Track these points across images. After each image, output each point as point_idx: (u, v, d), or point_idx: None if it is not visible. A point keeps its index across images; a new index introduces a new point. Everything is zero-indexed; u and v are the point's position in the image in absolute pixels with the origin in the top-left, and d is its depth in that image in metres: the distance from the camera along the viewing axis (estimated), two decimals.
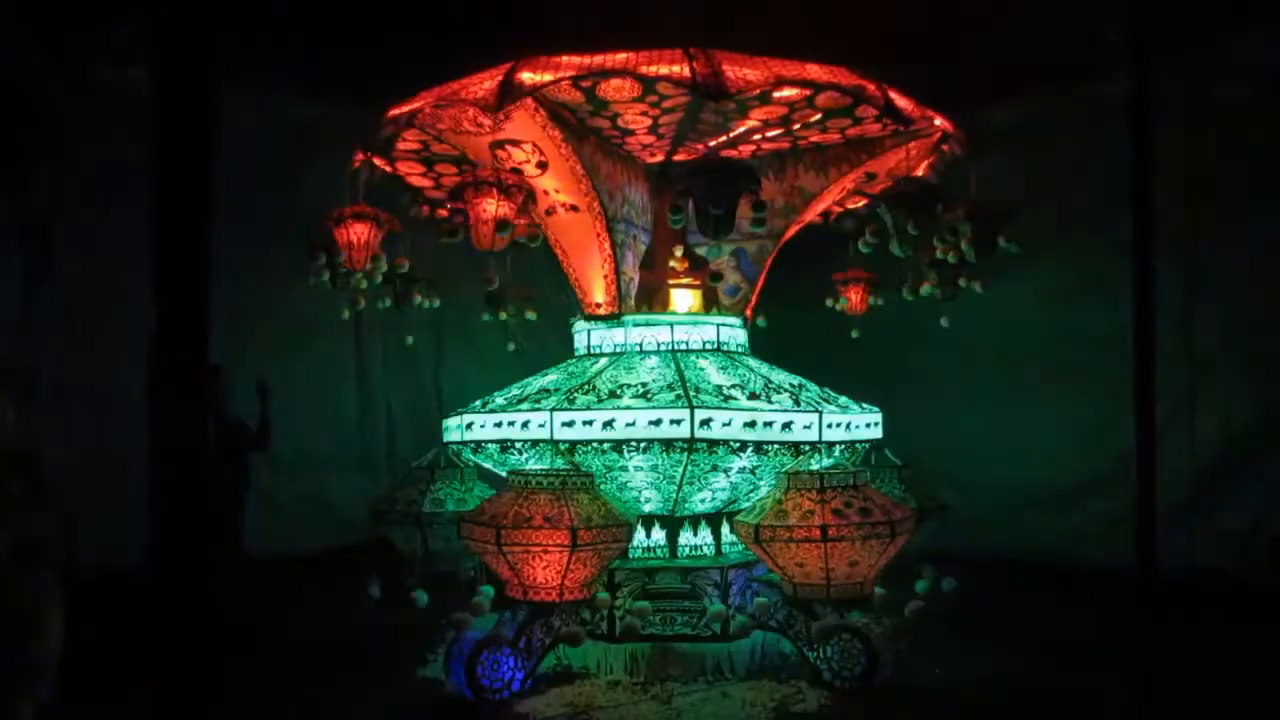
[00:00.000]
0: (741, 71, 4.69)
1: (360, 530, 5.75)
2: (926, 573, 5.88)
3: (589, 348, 5.92)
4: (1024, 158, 7.81)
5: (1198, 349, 7.26)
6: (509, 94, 4.83)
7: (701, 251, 6.15)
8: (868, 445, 5.83)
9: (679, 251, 5.92)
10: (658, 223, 6.03)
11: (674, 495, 5.41)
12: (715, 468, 5.29)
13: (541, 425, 5.22)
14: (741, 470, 5.36)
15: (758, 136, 5.66)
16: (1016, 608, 6.84)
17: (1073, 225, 7.78)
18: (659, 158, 5.97)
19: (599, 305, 5.91)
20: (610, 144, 5.71)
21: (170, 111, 1.75)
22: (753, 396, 5.37)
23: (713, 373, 5.57)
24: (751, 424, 5.16)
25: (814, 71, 4.96)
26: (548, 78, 4.82)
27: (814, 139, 5.74)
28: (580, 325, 5.99)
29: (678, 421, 5.03)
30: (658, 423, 5.04)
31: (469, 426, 5.63)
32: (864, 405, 5.78)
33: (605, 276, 5.82)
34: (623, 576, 5.33)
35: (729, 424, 5.11)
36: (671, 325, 5.79)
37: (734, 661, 5.34)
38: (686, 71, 4.66)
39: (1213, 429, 7.25)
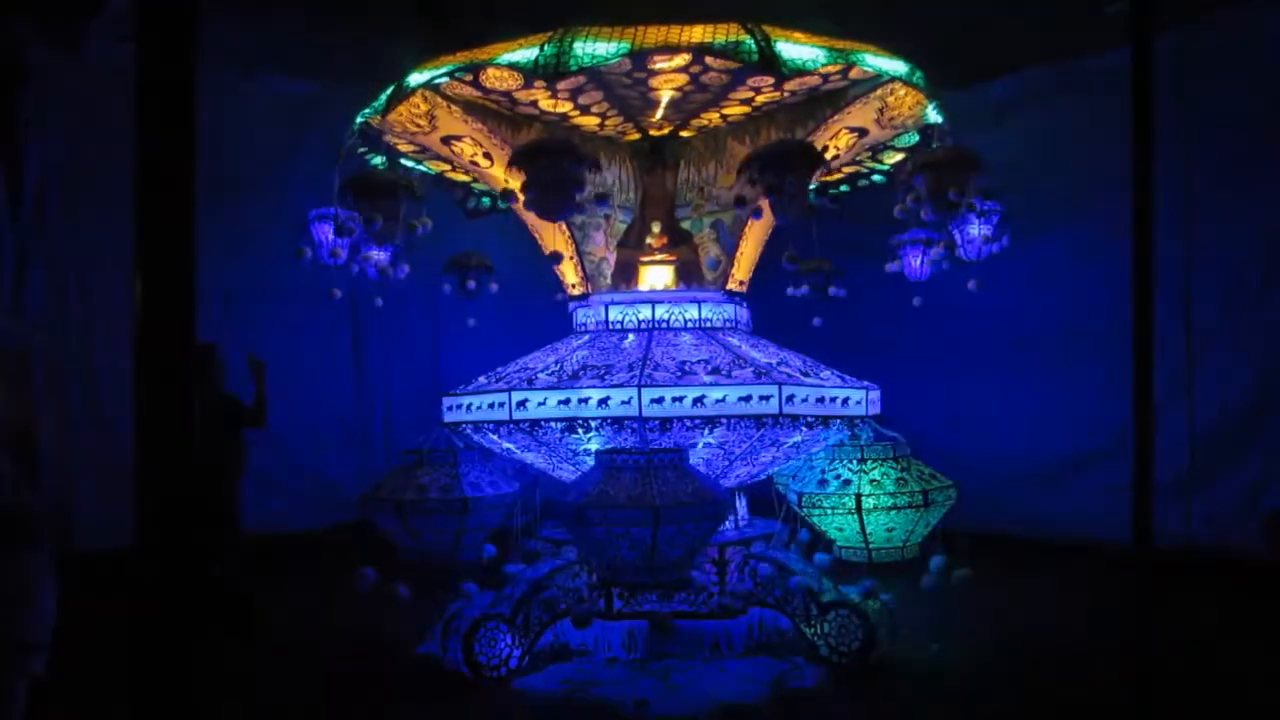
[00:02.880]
0: (591, 46, 4.59)
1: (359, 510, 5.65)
2: (938, 549, 5.87)
3: (607, 323, 5.81)
4: (1024, 132, 7.73)
5: (1197, 323, 7.20)
6: (396, 97, 5.08)
7: (685, 225, 6.00)
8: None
9: (656, 228, 5.81)
10: (645, 200, 5.94)
11: (720, 471, 5.41)
12: (775, 442, 5.31)
13: (625, 402, 5.03)
14: (792, 444, 5.38)
15: (698, 103, 5.41)
16: (1014, 583, 6.61)
17: (1073, 199, 7.73)
18: (633, 136, 5.85)
19: (573, 285, 5.95)
20: (560, 127, 5.67)
21: (151, 81, 1.71)
22: (803, 374, 5.40)
23: (749, 350, 5.52)
24: (822, 399, 5.26)
25: (696, 34, 4.70)
26: (426, 77, 4.99)
27: (761, 99, 5.42)
28: (595, 300, 5.87)
29: (767, 397, 5.04)
30: (748, 399, 5.05)
31: (521, 404, 5.28)
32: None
33: (571, 258, 5.87)
34: None
35: (806, 400, 5.19)
36: (699, 303, 5.75)
37: (731, 638, 5.33)
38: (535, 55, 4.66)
39: (1211, 403, 7.21)
